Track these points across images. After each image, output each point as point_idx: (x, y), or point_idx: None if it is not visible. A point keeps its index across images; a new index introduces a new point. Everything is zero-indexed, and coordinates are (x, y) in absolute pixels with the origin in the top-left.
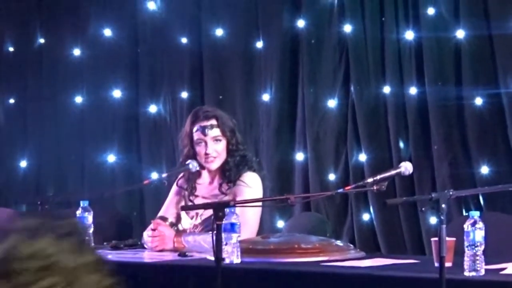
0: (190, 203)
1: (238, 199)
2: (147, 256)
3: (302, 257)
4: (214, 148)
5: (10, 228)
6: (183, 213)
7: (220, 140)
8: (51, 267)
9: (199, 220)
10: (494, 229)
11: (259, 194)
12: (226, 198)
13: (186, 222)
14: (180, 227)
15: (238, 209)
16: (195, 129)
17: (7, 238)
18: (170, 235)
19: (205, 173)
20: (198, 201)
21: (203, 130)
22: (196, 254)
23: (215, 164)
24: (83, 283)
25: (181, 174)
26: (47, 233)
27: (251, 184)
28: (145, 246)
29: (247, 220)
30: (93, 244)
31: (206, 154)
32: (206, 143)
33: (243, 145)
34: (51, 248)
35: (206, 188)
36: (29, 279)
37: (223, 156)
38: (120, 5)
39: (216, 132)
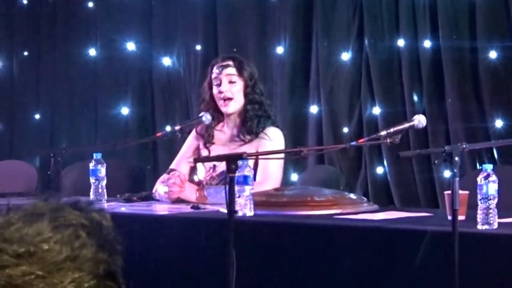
0: (206, 151)
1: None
2: (160, 209)
3: (315, 210)
4: (229, 87)
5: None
6: (199, 164)
7: (235, 82)
8: (33, 255)
9: (216, 172)
10: (508, 182)
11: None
12: (247, 148)
13: (202, 173)
14: (195, 178)
15: (261, 163)
16: (213, 71)
17: (3, 217)
18: (192, 187)
19: (225, 120)
20: (215, 148)
21: (218, 69)
22: (209, 206)
23: (231, 108)
24: (61, 278)
25: None
26: (47, 220)
27: (274, 138)
28: (156, 196)
29: (271, 173)
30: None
31: (220, 92)
32: (221, 82)
33: (263, 94)
34: (40, 237)
35: (226, 136)
36: (4, 263)
37: (239, 99)
38: None
39: (231, 71)
